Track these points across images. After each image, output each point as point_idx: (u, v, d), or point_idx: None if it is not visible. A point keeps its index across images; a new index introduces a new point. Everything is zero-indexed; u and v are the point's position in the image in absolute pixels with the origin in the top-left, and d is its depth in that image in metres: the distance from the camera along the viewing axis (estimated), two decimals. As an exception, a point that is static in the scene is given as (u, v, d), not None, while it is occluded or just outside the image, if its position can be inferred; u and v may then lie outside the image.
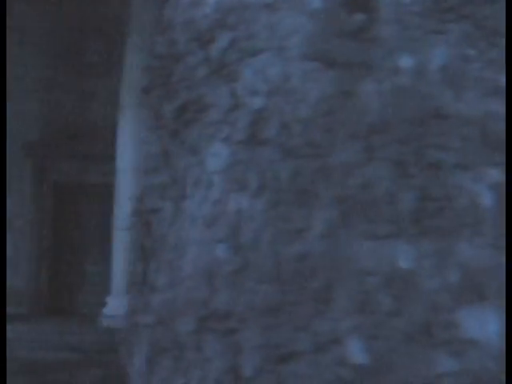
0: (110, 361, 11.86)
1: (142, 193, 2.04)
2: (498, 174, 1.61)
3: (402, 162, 1.64)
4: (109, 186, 15.40)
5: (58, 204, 15.73)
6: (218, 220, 1.77)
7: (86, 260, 15.74)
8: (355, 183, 1.63)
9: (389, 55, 1.72)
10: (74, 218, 15.80)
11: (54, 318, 14.56)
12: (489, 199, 1.60)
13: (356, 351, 1.54)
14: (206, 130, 1.87)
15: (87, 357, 12.12)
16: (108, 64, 15.99)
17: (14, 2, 14.68)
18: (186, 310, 1.73)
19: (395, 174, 1.63)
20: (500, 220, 1.59)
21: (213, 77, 1.88)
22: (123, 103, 13.68)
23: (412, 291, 1.57)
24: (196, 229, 1.81)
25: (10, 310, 14.58)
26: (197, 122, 1.89)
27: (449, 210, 1.60)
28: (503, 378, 1.52)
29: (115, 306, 13.16)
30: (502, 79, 1.68)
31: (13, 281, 15.16)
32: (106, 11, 16.08)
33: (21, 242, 15.43)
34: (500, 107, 1.65)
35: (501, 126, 1.64)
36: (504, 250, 1.58)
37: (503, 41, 1.67)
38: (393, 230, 1.60)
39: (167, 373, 1.72)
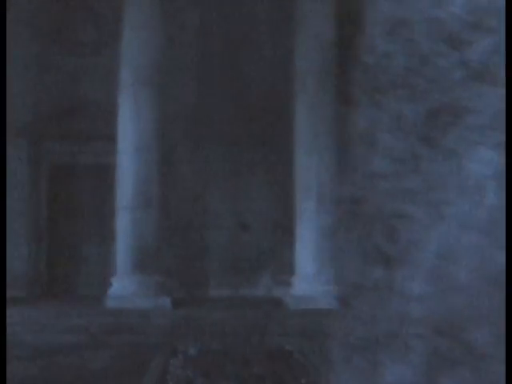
0: (119, 343, 11.80)
1: (377, 197, 2.00)
2: None
3: None
4: (105, 165, 15.27)
5: (54, 185, 15.56)
6: (497, 226, 1.74)
7: (83, 241, 15.62)
8: None
9: None
10: (71, 198, 15.64)
11: (55, 300, 14.45)
12: None
13: None
14: (466, 134, 1.84)
15: (95, 339, 12.05)
16: (100, 41, 15.78)
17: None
18: (478, 319, 1.71)
19: None
20: None
21: (472, 80, 1.85)
22: (122, 81, 13.54)
23: None
24: (469, 235, 1.78)
25: (8, 293, 14.41)
26: (454, 127, 1.86)
27: None
28: None
29: (120, 286, 13.09)
30: None
31: (11, 263, 14.99)
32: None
33: (18, 224, 15.24)
34: None
35: None
36: None
37: None
38: None
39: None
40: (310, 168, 13.36)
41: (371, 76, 2.00)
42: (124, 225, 13.15)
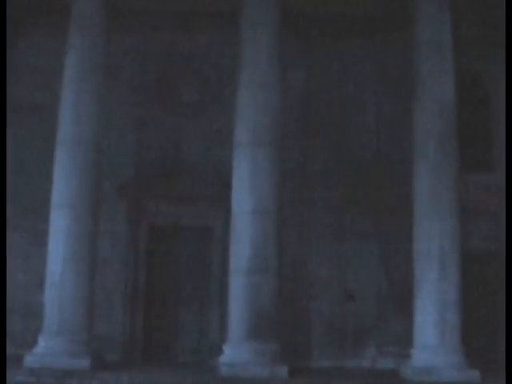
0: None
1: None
2: None
3: None
4: (207, 228, 14.88)
5: (153, 247, 15.08)
6: None
7: (182, 306, 15.05)
8: None
9: None
10: (171, 261, 15.15)
11: (153, 366, 13.85)
12: None
13: None
14: None
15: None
16: (203, 101, 15.54)
17: (103, 35, 14.06)
18: None
19: None
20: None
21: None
22: (238, 142, 13.19)
23: None
24: None
25: (104, 356, 13.78)
26: None
27: None
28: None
29: (234, 353, 12.50)
30: None
31: (106, 326, 14.43)
32: (199, 45, 15.66)
33: (114, 285, 14.75)
34: None
35: None
36: None
37: None
38: None
39: None
40: (431, 234, 12.88)
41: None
42: (239, 289, 12.60)
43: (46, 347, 12.53)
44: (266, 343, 12.46)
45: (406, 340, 13.22)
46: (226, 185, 13.53)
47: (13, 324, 14.28)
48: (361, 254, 14.92)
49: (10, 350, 12.28)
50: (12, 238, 14.21)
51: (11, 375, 11.31)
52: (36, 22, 15.59)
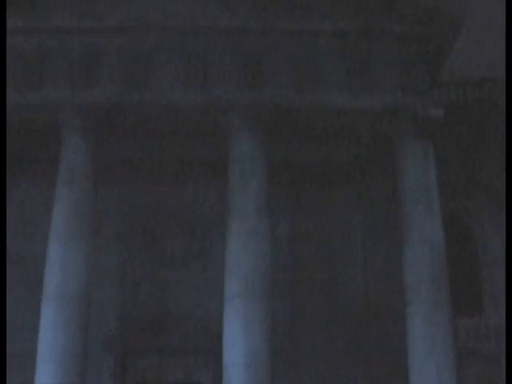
0: None
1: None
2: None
3: None
4: (197, 382, 14.43)
5: (141, 403, 14.55)
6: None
7: None
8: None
9: None
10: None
11: None
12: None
13: None
14: None
15: None
16: (189, 253, 15.39)
17: (91, 187, 14.03)
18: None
19: None
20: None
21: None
22: (229, 293, 12.94)
23: None
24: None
25: None
26: None
27: None
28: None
29: None
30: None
31: None
32: (186, 196, 15.67)
33: None
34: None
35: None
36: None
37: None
38: None
39: None
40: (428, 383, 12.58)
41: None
42: None
43: None
44: None
45: None
46: (214, 336, 13.27)
47: None
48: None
49: None
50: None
51: None
52: (22, 173, 15.58)
